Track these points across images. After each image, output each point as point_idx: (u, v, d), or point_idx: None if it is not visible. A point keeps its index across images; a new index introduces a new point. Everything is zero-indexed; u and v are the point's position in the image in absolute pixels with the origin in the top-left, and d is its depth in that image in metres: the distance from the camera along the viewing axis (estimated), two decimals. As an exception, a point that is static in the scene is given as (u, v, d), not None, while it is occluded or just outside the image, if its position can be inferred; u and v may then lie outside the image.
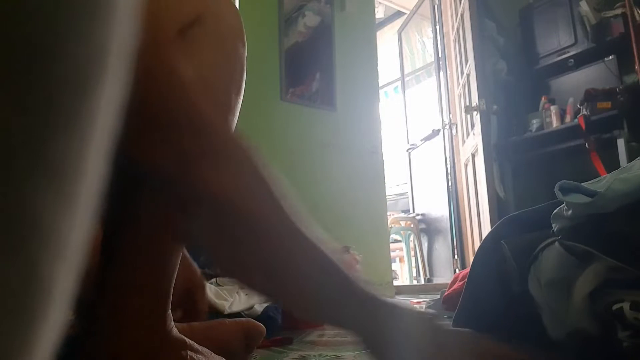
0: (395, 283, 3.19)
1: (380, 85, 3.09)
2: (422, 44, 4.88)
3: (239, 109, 0.60)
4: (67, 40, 0.09)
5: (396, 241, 3.88)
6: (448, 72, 3.54)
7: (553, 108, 3.02)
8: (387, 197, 2.96)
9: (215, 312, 1.13)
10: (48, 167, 0.10)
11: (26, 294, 0.10)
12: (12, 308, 0.09)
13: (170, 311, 0.55)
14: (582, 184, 0.63)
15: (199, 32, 0.54)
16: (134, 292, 0.51)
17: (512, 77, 3.38)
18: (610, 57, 2.88)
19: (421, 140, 3.77)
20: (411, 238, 3.80)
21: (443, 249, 3.51)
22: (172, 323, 0.55)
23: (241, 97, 0.61)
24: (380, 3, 4.46)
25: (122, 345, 0.50)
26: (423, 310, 0.48)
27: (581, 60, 3.01)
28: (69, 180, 0.10)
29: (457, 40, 3.28)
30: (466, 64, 3.07)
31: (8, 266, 0.09)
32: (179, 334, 0.56)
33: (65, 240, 0.10)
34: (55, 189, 0.10)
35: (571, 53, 3.03)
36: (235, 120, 0.60)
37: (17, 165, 0.09)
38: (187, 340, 0.56)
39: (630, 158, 2.39)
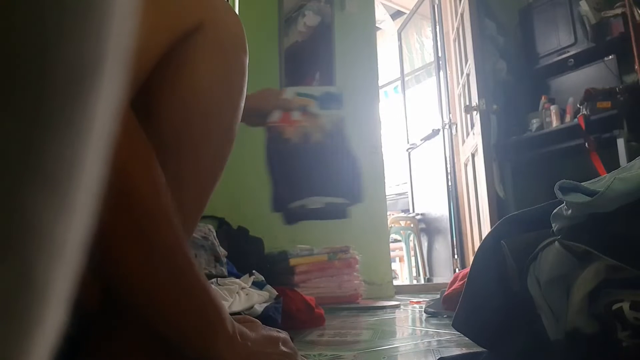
0: (395, 283, 3.18)
1: (380, 85, 3.09)
2: (421, 43, 4.88)
3: (241, 110, 0.61)
4: (61, 42, 0.09)
5: (396, 241, 3.88)
6: (448, 72, 3.54)
7: (553, 108, 3.02)
8: (387, 197, 2.96)
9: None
10: (43, 170, 0.10)
11: (21, 297, 0.10)
12: (7, 311, 0.09)
13: None
14: (582, 183, 0.63)
15: (199, 40, 0.55)
16: None
17: (512, 77, 3.38)
18: (610, 56, 2.88)
19: (421, 140, 3.77)
20: (411, 238, 3.80)
21: (443, 249, 3.51)
22: None
23: (243, 99, 0.62)
24: (380, 4, 4.45)
25: (123, 345, 0.50)
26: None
27: (581, 60, 3.01)
28: (64, 182, 0.10)
29: (457, 40, 3.28)
30: (466, 64, 3.07)
31: (3, 268, 0.09)
32: None
33: (61, 243, 0.10)
34: (50, 192, 0.10)
35: (571, 53, 3.03)
36: (239, 123, 0.61)
37: (11, 167, 0.09)
38: None
39: (630, 158, 2.39)
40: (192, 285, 0.48)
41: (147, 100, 0.52)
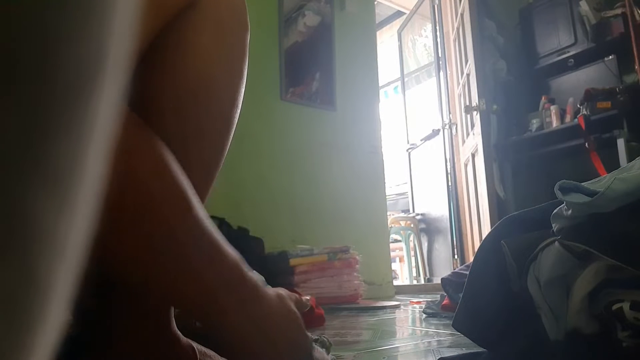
0: (395, 283, 3.19)
1: (380, 85, 3.09)
2: (421, 44, 4.88)
3: (241, 96, 0.58)
4: (64, 41, 0.09)
5: (396, 241, 3.88)
6: (448, 72, 3.54)
7: (553, 108, 3.02)
8: (387, 197, 2.96)
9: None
10: (45, 169, 0.10)
11: (23, 295, 0.10)
12: (10, 310, 0.09)
13: (173, 312, 0.54)
14: (582, 183, 0.63)
15: (193, 19, 0.51)
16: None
17: (512, 77, 3.38)
18: (610, 56, 2.88)
19: (421, 140, 3.78)
20: (411, 238, 3.80)
21: (443, 249, 3.51)
22: (174, 324, 0.54)
23: (244, 83, 0.58)
24: (380, 3, 4.45)
25: (124, 346, 0.50)
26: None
27: (581, 60, 3.01)
28: (67, 181, 0.10)
29: (457, 40, 3.28)
30: (466, 64, 3.07)
31: (5, 268, 0.09)
32: (185, 338, 0.55)
33: (63, 242, 0.10)
34: (53, 190, 0.10)
35: (571, 53, 3.03)
36: (239, 111, 0.58)
37: (13, 166, 0.09)
38: (195, 344, 0.55)
39: (630, 158, 2.39)
40: (194, 266, 0.45)
41: (136, 89, 0.49)
